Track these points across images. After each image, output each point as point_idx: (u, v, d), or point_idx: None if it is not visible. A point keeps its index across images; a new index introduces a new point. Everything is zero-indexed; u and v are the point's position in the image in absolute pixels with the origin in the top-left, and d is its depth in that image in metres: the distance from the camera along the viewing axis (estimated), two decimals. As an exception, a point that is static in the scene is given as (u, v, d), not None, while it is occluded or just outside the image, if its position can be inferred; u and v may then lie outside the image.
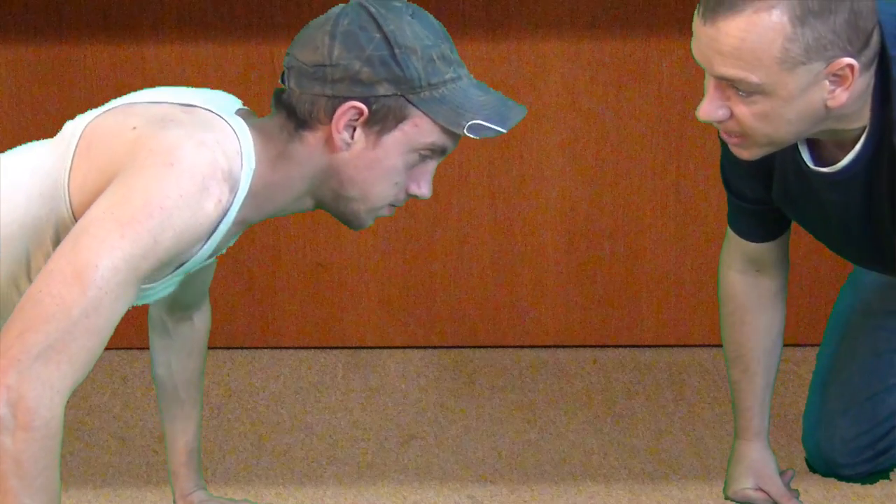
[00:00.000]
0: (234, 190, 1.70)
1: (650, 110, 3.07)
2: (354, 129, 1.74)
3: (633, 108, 3.08)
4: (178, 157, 1.65)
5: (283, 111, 1.77)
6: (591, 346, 3.22)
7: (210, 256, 1.78)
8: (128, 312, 3.20)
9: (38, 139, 3.09)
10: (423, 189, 1.80)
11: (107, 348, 3.21)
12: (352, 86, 1.72)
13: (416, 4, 1.82)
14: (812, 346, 3.18)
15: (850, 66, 1.73)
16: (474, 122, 1.76)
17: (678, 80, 3.04)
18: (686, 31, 3.02)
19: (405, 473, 2.64)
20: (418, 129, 1.75)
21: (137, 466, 2.63)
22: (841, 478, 2.49)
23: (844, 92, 1.75)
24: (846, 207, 1.99)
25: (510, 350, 3.22)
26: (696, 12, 1.79)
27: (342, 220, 1.82)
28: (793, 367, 3.10)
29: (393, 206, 1.81)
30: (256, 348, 3.22)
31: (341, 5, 1.78)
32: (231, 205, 1.70)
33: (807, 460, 2.57)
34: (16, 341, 1.55)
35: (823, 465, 2.50)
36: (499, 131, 1.76)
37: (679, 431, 2.81)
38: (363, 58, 1.72)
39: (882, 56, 1.80)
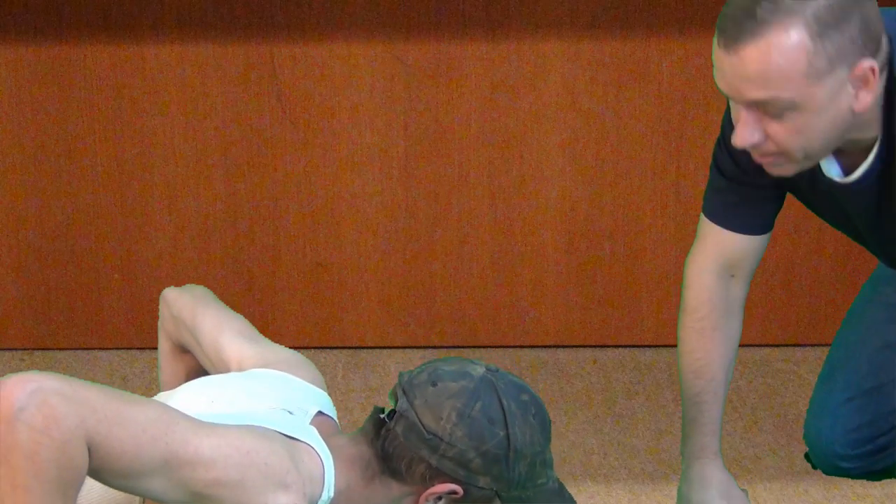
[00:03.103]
0: None
1: (650, 110, 3.07)
2: (440, 500, 1.78)
3: (633, 108, 3.08)
4: (275, 446, 1.68)
5: (378, 448, 1.79)
6: (591, 346, 3.21)
7: None
8: (127, 312, 3.20)
9: (38, 139, 3.09)
10: None
11: (106, 348, 3.23)
12: (457, 468, 1.76)
13: (537, 396, 1.84)
14: (812, 345, 3.18)
15: (872, 69, 1.77)
16: None
17: (678, 80, 3.04)
18: (686, 30, 3.03)
19: (405, 473, 2.64)
20: None
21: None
22: (838, 470, 2.48)
23: (868, 94, 1.79)
24: (863, 212, 2.01)
25: (510, 350, 3.21)
26: (714, 42, 1.81)
27: None
28: (793, 367, 3.10)
29: None
30: (256, 348, 3.22)
31: (477, 378, 1.79)
32: None
33: (806, 455, 2.57)
34: (80, 382, 1.57)
35: (822, 456, 2.49)
36: None
37: (679, 431, 2.80)
38: (481, 450, 1.76)
39: (890, 64, 1.84)
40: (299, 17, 3.03)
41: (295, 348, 3.26)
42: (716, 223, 2.18)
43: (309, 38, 3.05)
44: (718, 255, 2.19)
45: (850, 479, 2.53)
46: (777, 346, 3.19)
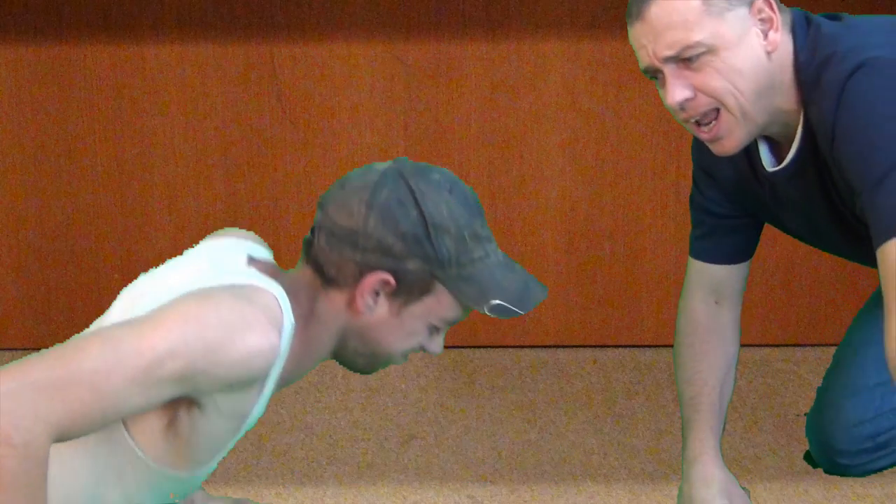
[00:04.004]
0: (280, 337, 1.70)
1: (650, 110, 3.07)
2: (378, 295, 1.77)
3: (633, 108, 3.08)
4: (217, 295, 1.67)
5: (312, 266, 1.79)
6: (591, 346, 3.22)
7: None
8: (128, 312, 3.20)
9: (38, 139, 3.10)
10: (434, 348, 1.85)
11: (107, 348, 3.23)
12: (382, 257, 1.75)
13: (453, 175, 1.83)
14: (812, 345, 3.18)
15: (769, 3, 1.92)
16: (496, 303, 1.78)
17: (678, 80, 3.04)
18: (686, 31, 3.03)
19: (405, 473, 2.64)
20: (440, 305, 1.79)
21: (137, 466, 2.64)
22: (837, 467, 2.48)
23: (776, 34, 1.93)
24: (809, 202, 2.04)
25: (510, 350, 3.22)
26: (628, 28, 1.97)
27: (351, 369, 1.86)
28: (793, 367, 3.10)
29: (406, 356, 1.85)
30: (256, 348, 3.22)
31: (381, 171, 1.79)
32: (280, 351, 1.70)
33: (805, 455, 2.57)
34: (23, 364, 1.56)
35: (822, 451, 2.49)
36: (518, 313, 1.80)
37: (679, 431, 2.80)
38: (398, 233, 1.74)
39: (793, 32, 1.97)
40: (299, 17, 3.03)
41: (295, 348, 3.27)
42: (695, 258, 2.27)
43: (309, 38, 3.05)
44: (700, 285, 2.27)
45: (849, 479, 2.53)
46: (777, 346, 3.19)
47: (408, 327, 1.79)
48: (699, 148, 2.18)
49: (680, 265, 3.16)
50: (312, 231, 1.81)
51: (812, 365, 3.09)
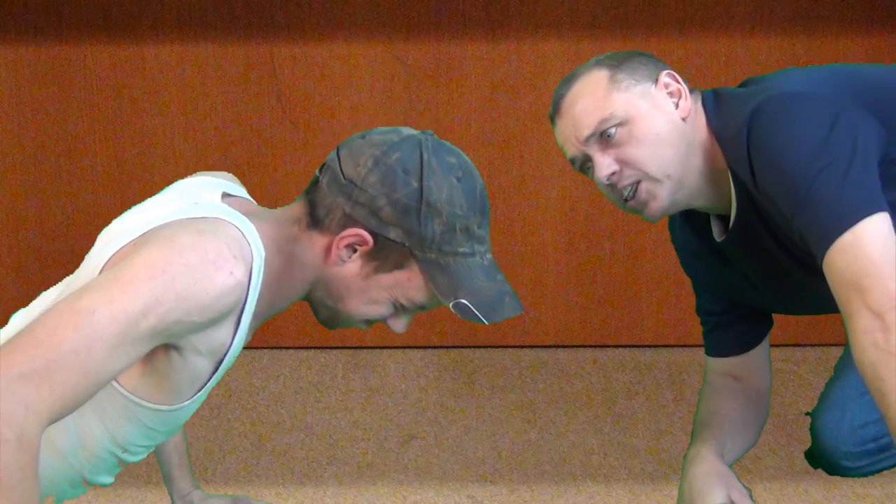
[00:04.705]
0: (248, 270, 1.69)
1: (650, 110, 3.07)
2: (355, 252, 1.76)
3: (633, 108, 3.08)
4: (179, 238, 1.66)
5: (308, 201, 1.79)
6: (591, 346, 3.22)
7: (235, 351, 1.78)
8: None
9: (38, 139, 3.10)
10: (397, 327, 1.84)
11: (107, 348, 3.22)
12: (369, 216, 1.75)
13: (471, 166, 1.84)
14: (812, 346, 3.18)
15: (671, 76, 2.02)
16: (463, 302, 1.77)
17: (678, 80, 3.04)
18: (686, 31, 3.03)
19: (405, 473, 2.64)
20: (410, 284, 1.78)
21: (137, 466, 2.63)
22: (840, 469, 2.48)
23: (685, 102, 2.01)
24: (771, 261, 2.07)
25: (510, 350, 3.22)
26: (555, 135, 2.05)
27: (316, 317, 1.86)
28: (793, 367, 3.10)
29: (369, 323, 1.85)
30: (256, 348, 3.23)
31: (404, 135, 1.79)
32: (250, 283, 1.69)
33: (808, 453, 2.57)
34: (1, 357, 1.55)
35: (825, 453, 2.49)
36: (482, 321, 1.79)
37: (679, 431, 2.81)
38: (391, 198, 1.74)
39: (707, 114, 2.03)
40: (299, 17, 3.03)
41: (295, 348, 3.27)
42: (707, 355, 2.31)
43: (309, 38, 3.05)
44: (718, 374, 2.30)
45: (849, 479, 2.53)
46: (777, 346, 3.19)
47: (373, 294, 1.78)
48: (681, 257, 2.25)
49: (680, 265, 3.16)
50: (321, 169, 1.81)
51: (812, 365, 3.09)
